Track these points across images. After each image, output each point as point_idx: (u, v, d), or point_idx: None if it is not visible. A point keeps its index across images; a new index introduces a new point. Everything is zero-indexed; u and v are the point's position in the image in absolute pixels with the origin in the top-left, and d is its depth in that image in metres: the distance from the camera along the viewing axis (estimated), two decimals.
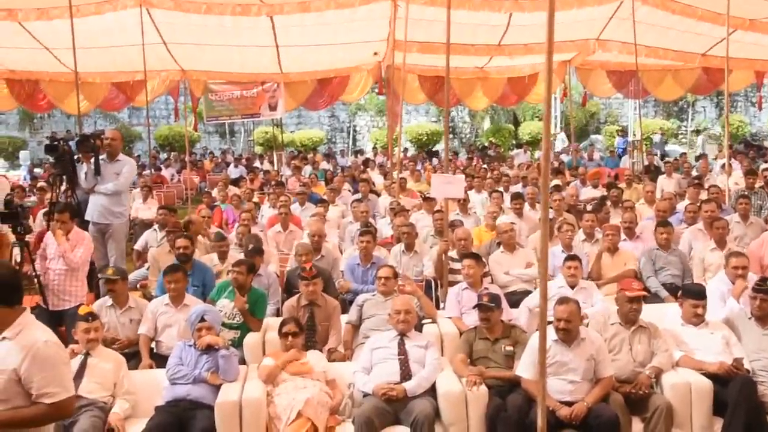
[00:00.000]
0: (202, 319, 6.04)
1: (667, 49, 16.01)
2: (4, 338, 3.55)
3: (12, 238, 7.58)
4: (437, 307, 7.48)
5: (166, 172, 22.40)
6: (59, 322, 7.19)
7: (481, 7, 12.85)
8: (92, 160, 8.13)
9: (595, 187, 14.66)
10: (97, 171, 8.15)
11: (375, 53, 14.25)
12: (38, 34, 13.78)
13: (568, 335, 5.60)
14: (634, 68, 15.52)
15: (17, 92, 16.92)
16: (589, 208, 11.47)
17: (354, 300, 7.23)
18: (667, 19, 13.78)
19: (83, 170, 8.21)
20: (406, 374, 5.78)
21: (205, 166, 24.20)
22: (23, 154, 26.43)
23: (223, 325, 6.70)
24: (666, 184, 14.90)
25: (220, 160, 25.93)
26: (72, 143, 8.23)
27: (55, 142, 8.13)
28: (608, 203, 11.43)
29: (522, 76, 19.02)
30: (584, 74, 19.67)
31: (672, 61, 16.91)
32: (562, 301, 5.73)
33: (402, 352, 5.93)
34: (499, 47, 15.61)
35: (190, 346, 5.96)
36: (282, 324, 6.17)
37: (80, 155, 8.21)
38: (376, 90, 19.27)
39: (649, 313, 6.26)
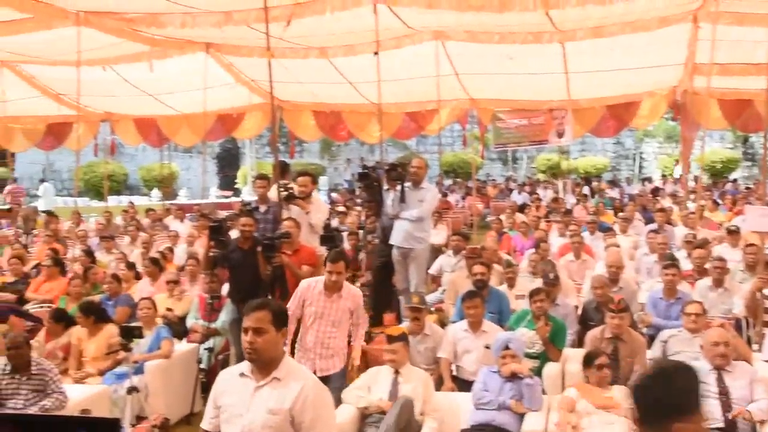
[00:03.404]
0: (507, 347, 6.12)
1: None
2: (274, 378, 3.70)
3: None
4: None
5: (451, 198, 23.01)
6: None
7: None
8: (398, 187, 8.54)
9: None
10: (403, 198, 8.54)
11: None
12: (343, 69, 14.82)
13: None
14: None
15: (322, 123, 18.28)
16: None
17: (656, 335, 6.95)
18: None
19: (390, 197, 8.66)
20: (727, 412, 5.42)
21: (488, 193, 24.55)
22: (323, 180, 28.50)
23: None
24: None
25: (503, 187, 26.18)
26: (381, 171, 8.74)
27: (366, 170, 8.68)
28: None
29: None
30: None
31: None
32: None
33: (723, 391, 5.56)
34: None
35: (494, 372, 6.05)
36: (592, 355, 6.05)
37: (387, 183, 8.68)
38: (670, 116, 18.44)
39: None
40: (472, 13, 10.99)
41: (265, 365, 3.72)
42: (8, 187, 23.91)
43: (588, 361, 5.99)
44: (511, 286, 8.82)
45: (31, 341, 6.90)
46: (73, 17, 10.35)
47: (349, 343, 6.79)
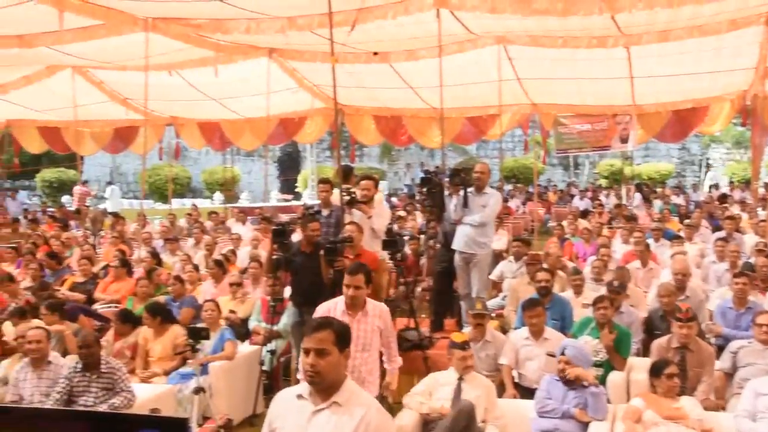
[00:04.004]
0: (563, 353, 6.05)
1: None
2: (334, 403, 3.49)
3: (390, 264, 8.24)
4: None
5: (511, 203, 22.86)
6: None
7: None
8: (461, 192, 8.52)
9: None
10: (465, 203, 8.52)
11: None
12: (404, 73, 14.84)
13: None
14: None
15: (382, 127, 18.34)
16: None
17: (725, 345, 6.79)
18: None
19: (452, 202, 8.64)
20: None
21: (549, 198, 24.32)
22: (382, 184, 28.54)
23: None
24: None
25: (564, 193, 25.91)
26: (443, 176, 8.73)
27: (429, 175, 8.68)
28: None
29: None
30: None
31: None
32: None
33: None
34: None
35: (557, 380, 5.99)
36: (660, 365, 5.92)
37: (450, 187, 8.66)
38: (739, 121, 18.01)
39: None
40: (535, 18, 10.92)
41: (326, 389, 3.51)
42: (76, 189, 24.54)
43: (655, 371, 5.86)
44: (578, 293, 8.71)
45: (101, 340, 7.06)
46: (142, 23, 10.56)
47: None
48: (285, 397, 3.71)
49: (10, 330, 8.05)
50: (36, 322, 7.60)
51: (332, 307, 5.74)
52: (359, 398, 3.55)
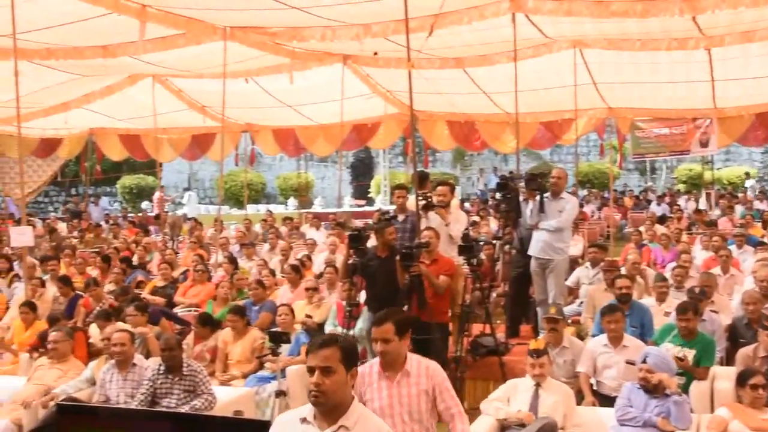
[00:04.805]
0: (644, 361, 5.93)
1: None
2: (342, 427, 3.29)
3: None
4: None
5: (586, 209, 22.51)
6: None
7: None
8: (537, 197, 8.45)
9: None
10: (542, 208, 8.44)
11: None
12: (478, 78, 14.81)
13: None
14: None
15: (456, 132, 18.35)
16: None
17: None
18: None
19: (528, 207, 8.58)
20: None
21: (625, 203, 23.89)
22: (456, 190, 28.44)
23: None
24: None
25: (640, 198, 25.41)
26: (518, 181, 8.68)
27: (505, 180, 8.64)
28: None
29: None
30: None
31: None
32: None
33: None
34: None
35: (639, 388, 5.87)
36: (746, 375, 5.75)
37: (526, 193, 8.61)
38: None
39: None
40: (612, 21, 10.76)
41: (331, 410, 3.29)
42: (156, 195, 25.22)
43: (742, 381, 5.69)
44: (661, 300, 8.53)
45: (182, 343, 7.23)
46: (220, 32, 10.80)
47: None
48: (286, 420, 3.47)
49: (96, 332, 8.30)
50: (120, 324, 7.82)
51: (366, 372, 4.70)
52: (369, 422, 3.36)
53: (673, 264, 10.43)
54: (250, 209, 22.74)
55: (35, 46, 11.14)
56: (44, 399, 6.79)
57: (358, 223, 16.15)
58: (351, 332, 8.29)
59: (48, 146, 21.39)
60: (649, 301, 8.67)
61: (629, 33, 11.65)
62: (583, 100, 15.45)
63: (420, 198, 8.17)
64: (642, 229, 14.68)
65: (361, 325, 8.39)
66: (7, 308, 10.21)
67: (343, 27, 10.71)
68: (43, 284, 10.45)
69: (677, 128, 17.15)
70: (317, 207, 27.28)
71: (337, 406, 3.29)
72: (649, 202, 24.04)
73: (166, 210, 23.34)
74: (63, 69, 12.99)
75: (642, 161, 29.23)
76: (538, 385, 6.03)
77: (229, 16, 10.50)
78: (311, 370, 3.30)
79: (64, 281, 10.23)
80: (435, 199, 8.36)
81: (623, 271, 9.20)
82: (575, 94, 13.79)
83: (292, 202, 29.33)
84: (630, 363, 6.51)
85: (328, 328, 9.00)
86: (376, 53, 12.80)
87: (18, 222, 15.52)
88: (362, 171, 34.32)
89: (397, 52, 12.10)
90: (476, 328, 8.44)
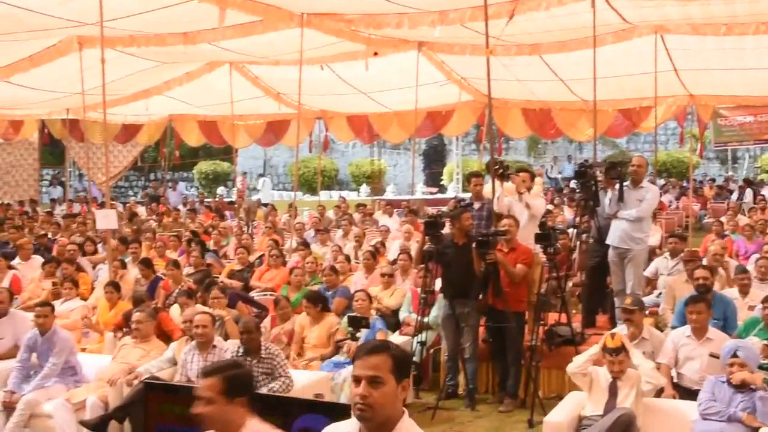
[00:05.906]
0: (735, 355, 5.78)
1: None
2: None
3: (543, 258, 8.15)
4: None
5: (664, 198, 21.97)
6: None
7: None
8: (617, 186, 8.30)
9: None
10: (621, 197, 8.29)
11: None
12: (555, 65, 14.59)
13: None
14: None
15: (531, 120, 18.16)
16: None
17: None
18: None
19: (607, 196, 8.43)
20: None
21: (705, 193, 23.24)
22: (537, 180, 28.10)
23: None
24: None
25: (722, 188, 24.69)
26: (597, 169, 8.53)
27: (583, 168, 8.50)
28: None
29: None
30: None
31: None
32: None
33: None
34: None
35: (723, 382, 5.73)
36: None
37: (605, 181, 8.45)
38: None
39: None
40: (695, 4, 10.47)
41: (378, 426, 2.89)
42: (238, 180, 25.82)
43: None
44: (744, 293, 8.29)
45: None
46: (297, 19, 10.89)
47: None
48: None
49: (176, 313, 8.50)
50: (200, 307, 7.99)
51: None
52: None
53: (757, 256, 10.13)
54: (323, 195, 22.93)
55: (120, 34, 11.42)
56: (129, 377, 6.98)
57: (431, 210, 16.12)
58: (425, 319, 8.31)
59: (129, 132, 22.02)
60: (731, 293, 8.44)
61: (715, 17, 11.29)
62: (663, 87, 15.09)
63: (496, 166, 8.13)
64: (724, 219, 14.28)
65: (435, 312, 8.39)
66: (93, 289, 10.51)
67: (420, 14, 10.68)
68: (124, 266, 10.74)
69: (763, 116, 16.66)
70: (389, 194, 27.33)
71: (385, 421, 2.89)
72: (730, 192, 23.34)
73: (242, 195, 23.75)
74: (145, 56, 13.30)
75: (723, 150, 28.45)
76: (616, 379, 5.95)
77: (306, 3, 10.58)
78: (357, 380, 2.89)
79: (146, 264, 10.48)
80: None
81: (705, 262, 8.97)
82: (655, 81, 13.49)
83: (365, 188, 29.47)
84: (714, 356, 6.37)
85: (403, 315, 9.04)
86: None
87: (102, 205, 16.01)
88: (435, 158, 34.23)
89: (473, 38, 12.00)
90: (552, 317, 8.35)
